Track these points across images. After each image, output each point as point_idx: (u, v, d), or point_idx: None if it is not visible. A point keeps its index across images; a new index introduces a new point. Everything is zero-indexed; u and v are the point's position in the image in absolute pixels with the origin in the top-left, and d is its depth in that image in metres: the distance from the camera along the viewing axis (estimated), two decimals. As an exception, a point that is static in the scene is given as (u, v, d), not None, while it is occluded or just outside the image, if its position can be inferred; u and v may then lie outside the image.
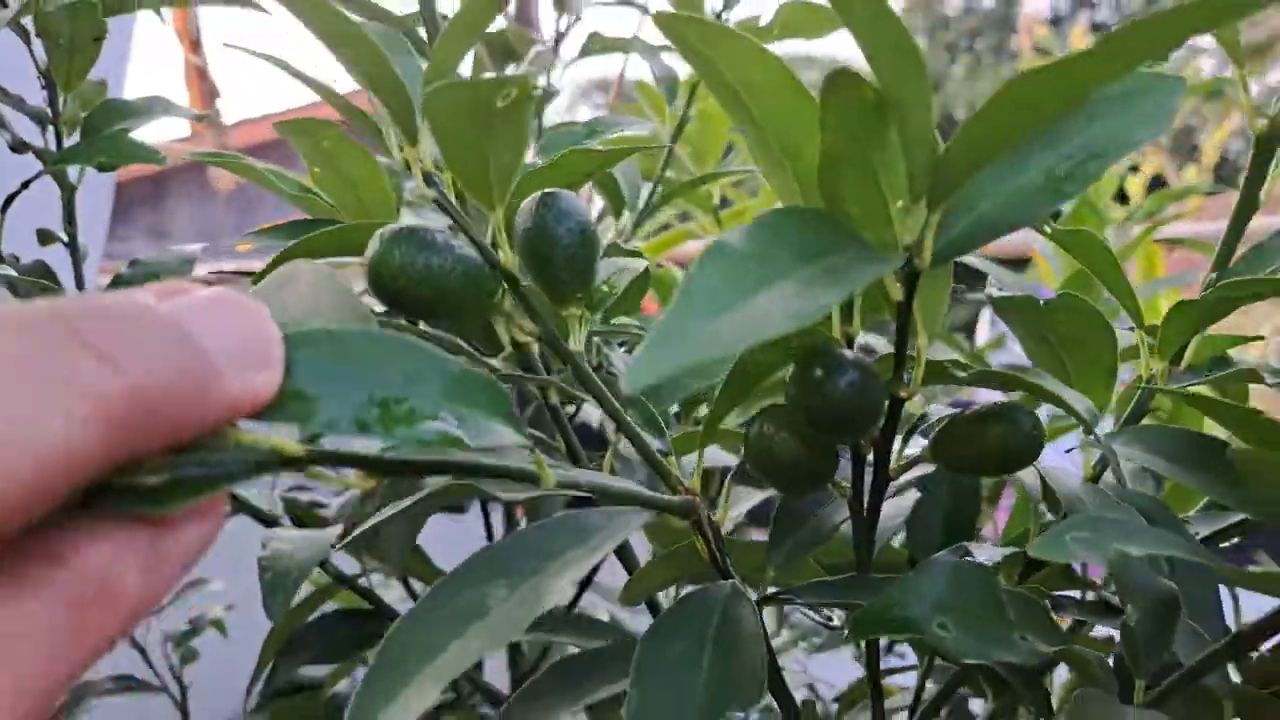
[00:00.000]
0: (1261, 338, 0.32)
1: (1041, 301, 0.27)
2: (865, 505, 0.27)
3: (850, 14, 0.19)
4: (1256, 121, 0.29)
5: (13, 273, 0.37)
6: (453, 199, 0.26)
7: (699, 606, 0.23)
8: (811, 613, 0.33)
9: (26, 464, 0.11)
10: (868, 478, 0.26)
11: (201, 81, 1.61)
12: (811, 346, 0.24)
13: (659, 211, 0.60)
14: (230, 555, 0.59)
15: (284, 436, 0.15)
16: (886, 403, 0.24)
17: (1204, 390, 0.27)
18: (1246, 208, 0.30)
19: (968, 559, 0.24)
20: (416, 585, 0.47)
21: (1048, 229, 0.31)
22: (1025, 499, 0.34)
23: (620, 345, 0.38)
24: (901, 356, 0.24)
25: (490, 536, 0.49)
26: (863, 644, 0.30)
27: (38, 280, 0.38)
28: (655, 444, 0.26)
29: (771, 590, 0.27)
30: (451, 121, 0.22)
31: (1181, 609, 0.26)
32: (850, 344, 0.25)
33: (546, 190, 0.25)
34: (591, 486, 0.22)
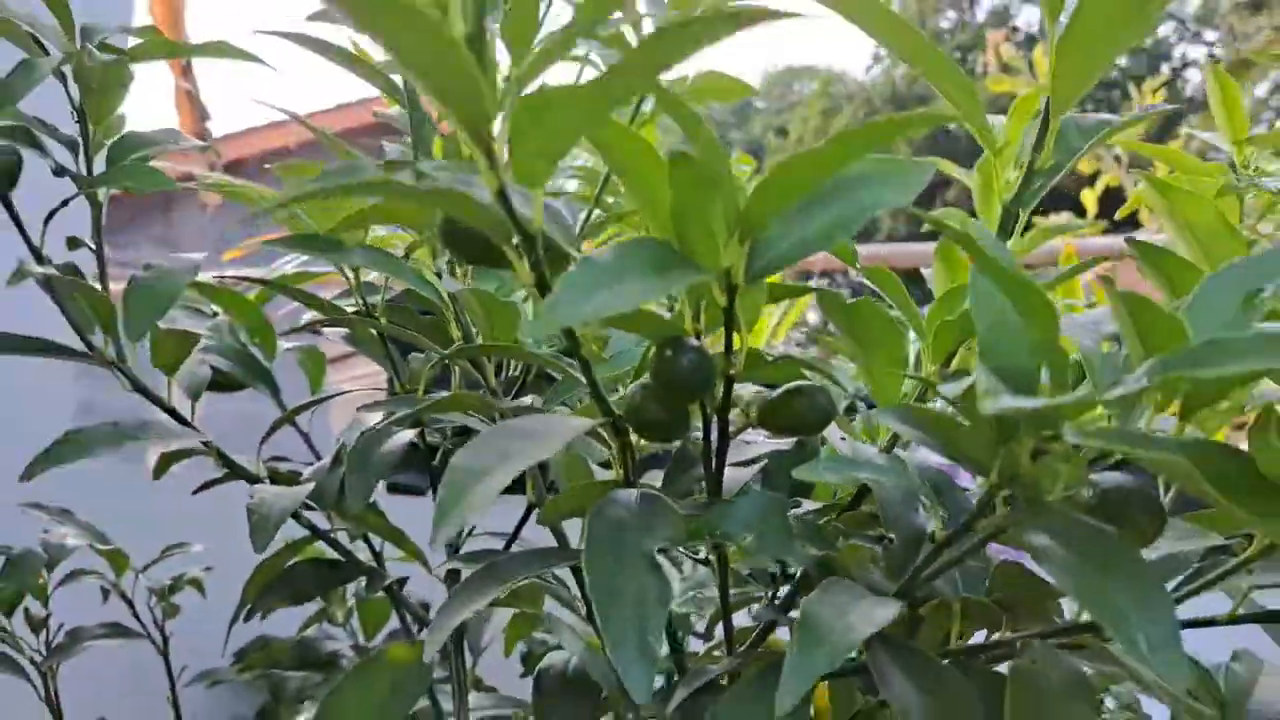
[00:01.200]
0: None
1: (847, 301, 0.38)
2: (714, 455, 0.37)
3: (676, 118, 0.29)
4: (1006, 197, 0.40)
5: (54, 271, 0.46)
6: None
7: (622, 494, 0.33)
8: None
9: None
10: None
11: (191, 104, 1.70)
12: (667, 336, 0.34)
13: (597, 234, 0.70)
14: (212, 523, 0.68)
15: None
16: (721, 379, 0.34)
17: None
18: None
19: (768, 493, 0.34)
20: (376, 542, 0.56)
21: (858, 265, 0.42)
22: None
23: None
24: (730, 345, 0.34)
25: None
26: (717, 570, 0.40)
27: (72, 278, 0.47)
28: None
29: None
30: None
31: (926, 536, 0.37)
32: (697, 337, 0.35)
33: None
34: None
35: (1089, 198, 2.07)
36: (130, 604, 0.64)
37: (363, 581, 0.56)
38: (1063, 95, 0.37)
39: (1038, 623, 0.36)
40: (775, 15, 0.24)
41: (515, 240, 0.28)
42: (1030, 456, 0.27)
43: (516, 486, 0.59)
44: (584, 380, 0.38)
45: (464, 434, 0.55)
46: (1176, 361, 0.25)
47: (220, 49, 0.54)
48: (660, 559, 0.31)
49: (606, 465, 0.45)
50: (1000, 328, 0.28)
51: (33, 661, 0.58)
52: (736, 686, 0.36)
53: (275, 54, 0.57)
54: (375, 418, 0.58)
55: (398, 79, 0.57)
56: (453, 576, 0.54)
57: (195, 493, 0.59)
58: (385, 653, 0.49)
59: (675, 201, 0.31)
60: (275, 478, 0.53)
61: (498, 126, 0.26)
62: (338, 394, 0.57)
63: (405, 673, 0.48)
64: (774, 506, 0.34)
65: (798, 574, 0.44)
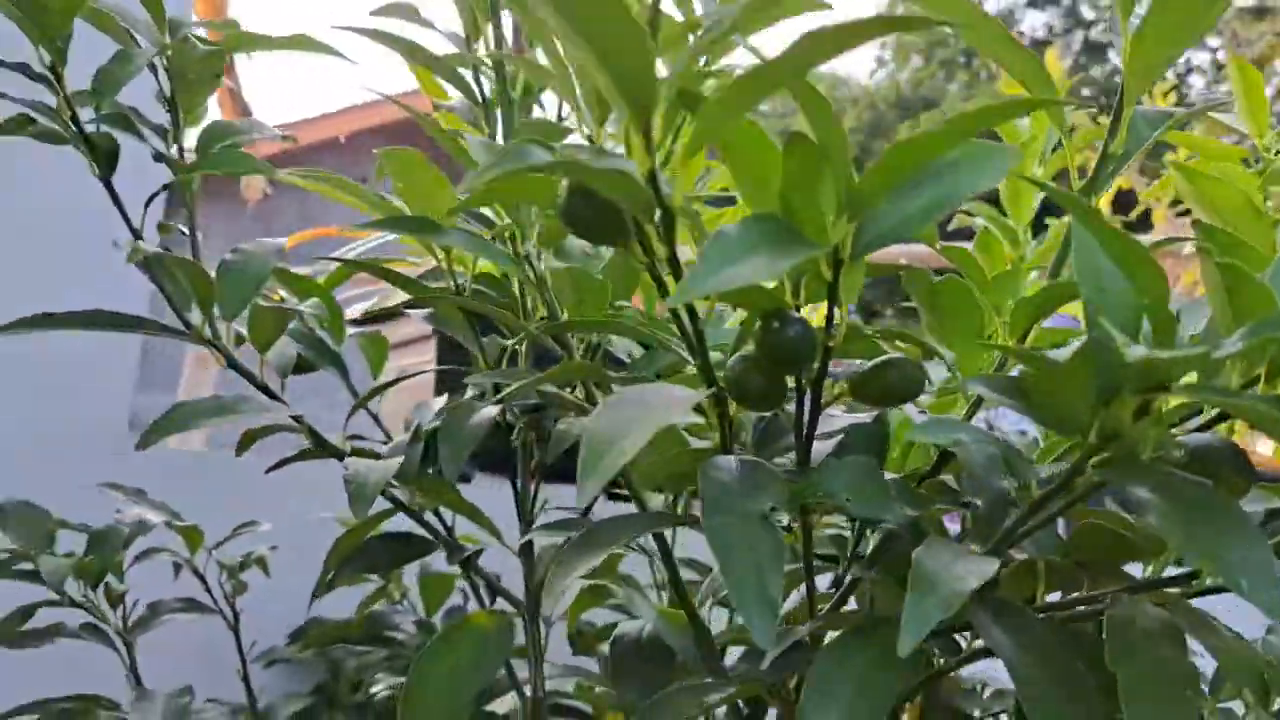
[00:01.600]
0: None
1: (933, 278, 0.40)
2: (805, 423, 0.39)
3: (798, 96, 0.31)
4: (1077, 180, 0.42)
5: (156, 249, 0.48)
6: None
7: (723, 460, 0.35)
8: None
9: None
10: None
11: (234, 102, 1.72)
12: (772, 308, 0.36)
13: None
14: (278, 505, 0.70)
15: None
16: (820, 349, 0.36)
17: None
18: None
19: (865, 458, 0.37)
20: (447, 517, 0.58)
21: (938, 245, 0.44)
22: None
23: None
24: (831, 317, 0.36)
25: (518, 500, 0.59)
26: (801, 536, 0.42)
27: (181, 257, 0.49)
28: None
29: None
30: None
31: (1010, 499, 0.39)
32: (797, 310, 0.37)
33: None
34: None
35: (1102, 199, 2.10)
36: (203, 580, 0.66)
37: (423, 560, 0.58)
38: (1135, 86, 0.39)
39: (1114, 581, 0.38)
40: (928, 23, 0.26)
41: (657, 217, 0.30)
42: (1133, 416, 0.30)
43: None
44: (682, 354, 0.40)
45: (535, 411, 0.57)
46: (1271, 325, 0.27)
47: (301, 42, 0.56)
48: (772, 518, 0.33)
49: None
50: (1105, 293, 0.30)
51: (118, 632, 0.60)
52: (829, 645, 0.38)
53: (280, 58, 0.59)
54: (440, 402, 0.60)
55: (465, 72, 0.59)
56: (526, 551, 0.56)
57: (269, 471, 0.61)
58: (469, 620, 0.51)
59: (786, 181, 0.34)
60: (356, 453, 0.55)
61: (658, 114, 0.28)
62: (413, 375, 0.58)
63: (488, 639, 0.50)
64: (872, 470, 0.36)
65: (872, 543, 0.46)
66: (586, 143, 0.37)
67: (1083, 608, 0.37)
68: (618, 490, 0.69)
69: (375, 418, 0.63)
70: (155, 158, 0.49)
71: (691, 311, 0.34)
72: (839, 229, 0.34)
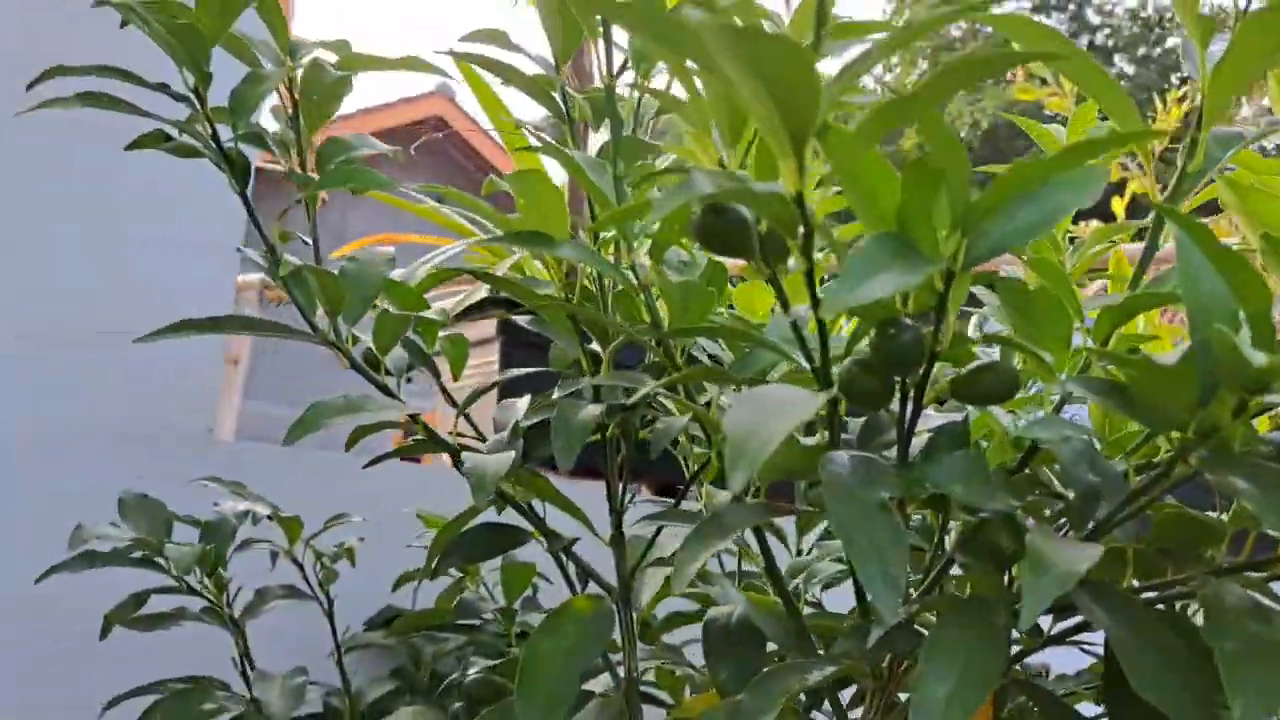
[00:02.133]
0: (1156, 337, 0.49)
1: (1029, 288, 0.43)
2: (906, 421, 0.42)
3: (920, 123, 0.35)
4: (1157, 194, 0.45)
5: (299, 262, 0.52)
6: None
7: (838, 456, 0.38)
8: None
9: None
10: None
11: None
12: (888, 316, 0.39)
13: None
14: (368, 497, 0.73)
15: None
16: (928, 353, 0.40)
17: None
18: (1152, 247, 0.46)
19: (969, 451, 0.40)
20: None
21: (1025, 255, 0.47)
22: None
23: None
24: (939, 324, 0.39)
25: (609, 494, 0.62)
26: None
27: (318, 267, 0.52)
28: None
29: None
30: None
31: (1101, 495, 0.42)
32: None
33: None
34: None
35: (1118, 205, 2.13)
36: (301, 568, 0.69)
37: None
38: (1213, 110, 0.43)
39: (1197, 565, 0.42)
40: (1041, 56, 0.29)
41: (800, 233, 0.34)
42: (1232, 414, 0.33)
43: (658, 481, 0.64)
44: (793, 358, 0.44)
45: (625, 410, 0.61)
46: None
47: (412, 63, 0.60)
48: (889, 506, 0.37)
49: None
50: (1205, 299, 0.33)
51: (231, 619, 0.64)
52: (939, 623, 0.41)
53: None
54: (524, 403, 0.63)
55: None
56: (617, 541, 0.60)
57: (367, 466, 0.65)
58: (571, 605, 0.55)
59: (904, 201, 0.37)
60: (463, 449, 0.59)
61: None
62: (509, 377, 0.62)
63: (590, 621, 0.54)
64: (977, 463, 0.40)
65: (954, 534, 0.49)
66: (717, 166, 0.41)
67: (1158, 592, 0.41)
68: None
69: (467, 418, 0.67)
70: (287, 174, 0.53)
71: (821, 321, 0.38)
72: (950, 244, 0.37)
